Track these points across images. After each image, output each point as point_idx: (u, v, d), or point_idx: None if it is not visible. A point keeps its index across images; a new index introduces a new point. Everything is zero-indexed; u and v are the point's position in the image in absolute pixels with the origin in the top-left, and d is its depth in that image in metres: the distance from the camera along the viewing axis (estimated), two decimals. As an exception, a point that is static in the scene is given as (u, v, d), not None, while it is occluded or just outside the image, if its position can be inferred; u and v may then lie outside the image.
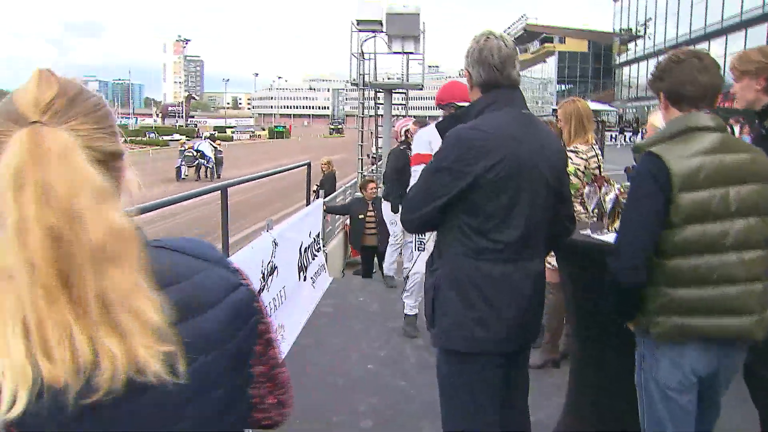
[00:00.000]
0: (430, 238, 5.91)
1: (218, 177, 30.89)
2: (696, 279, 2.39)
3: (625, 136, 47.01)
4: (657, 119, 4.51)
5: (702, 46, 44.90)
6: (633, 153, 2.79)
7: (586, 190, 3.53)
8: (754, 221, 2.40)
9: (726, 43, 42.72)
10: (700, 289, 2.39)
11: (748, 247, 2.40)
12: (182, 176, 30.92)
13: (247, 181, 6.30)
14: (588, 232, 3.47)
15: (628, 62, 62.54)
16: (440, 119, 3.19)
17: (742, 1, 40.12)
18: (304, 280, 7.05)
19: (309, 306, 6.99)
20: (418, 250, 6.21)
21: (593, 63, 75.13)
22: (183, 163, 31.49)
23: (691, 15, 47.30)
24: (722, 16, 42.79)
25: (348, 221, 13.27)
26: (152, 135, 73.84)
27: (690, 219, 2.36)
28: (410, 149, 8.16)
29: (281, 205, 20.95)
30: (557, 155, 2.77)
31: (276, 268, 5.68)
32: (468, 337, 2.60)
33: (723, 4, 42.63)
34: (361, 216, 10.10)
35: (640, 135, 44.33)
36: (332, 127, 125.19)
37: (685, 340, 2.45)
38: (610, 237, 3.38)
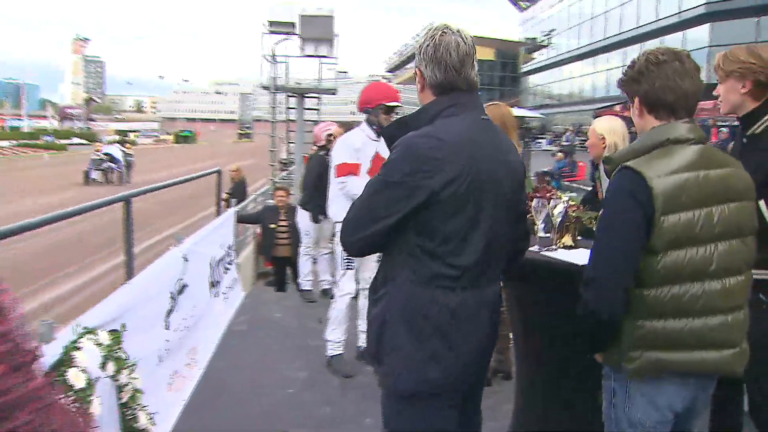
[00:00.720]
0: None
1: (128, 182, 30.63)
2: (677, 310, 2.13)
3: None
4: (601, 126, 4.30)
5: (602, 57, 46.92)
6: (604, 165, 2.49)
7: (534, 203, 3.25)
8: (737, 244, 2.18)
9: (625, 55, 44.67)
10: (681, 321, 2.14)
11: (731, 273, 2.17)
12: (90, 179, 30.80)
13: (153, 190, 5.74)
14: (536, 248, 3.19)
15: (534, 71, 64.34)
16: (388, 124, 2.79)
17: (638, 17, 42.03)
18: (216, 295, 6.55)
19: (222, 323, 6.49)
20: (346, 267, 5.42)
21: (500, 71, 77.04)
22: (92, 166, 31.43)
23: (591, 27, 49.19)
24: (620, 29, 44.69)
25: (259, 230, 12.78)
26: (49, 138, 70.25)
27: (673, 244, 2.10)
28: (329, 155, 7.80)
29: (188, 212, 20.09)
30: (519, 167, 2.47)
31: (186, 286, 5.17)
32: (420, 377, 2.25)
33: (620, 18, 44.56)
34: (272, 225, 9.59)
35: (546, 142, 45.70)
36: (241, 132, 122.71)
37: (662, 376, 2.19)
38: (560, 254, 3.12)
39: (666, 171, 2.11)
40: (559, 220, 3.20)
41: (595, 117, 41.65)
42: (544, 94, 62.76)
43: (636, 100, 2.31)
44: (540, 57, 63.01)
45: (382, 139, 5.45)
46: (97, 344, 3.01)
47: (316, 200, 7.84)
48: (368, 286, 2.65)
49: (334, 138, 7.72)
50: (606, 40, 46.97)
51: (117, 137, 54.52)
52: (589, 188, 4.41)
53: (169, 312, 4.66)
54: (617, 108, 42.44)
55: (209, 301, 6.17)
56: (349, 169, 5.25)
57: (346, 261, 5.34)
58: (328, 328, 5.50)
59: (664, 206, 2.07)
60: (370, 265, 5.14)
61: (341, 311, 5.42)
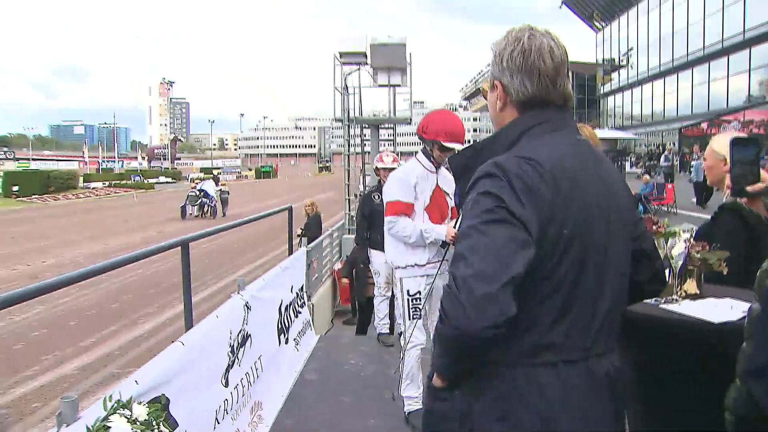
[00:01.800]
0: (426, 299, 4.77)
1: (223, 215, 32.72)
2: None
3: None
4: (722, 144, 3.56)
5: (686, 73, 45.21)
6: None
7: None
8: None
9: (709, 70, 42.94)
10: None
11: None
12: (186, 215, 32.79)
13: (213, 234, 5.38)
14: (652, 300, 2.57)
15: (612, 92, 62.61)
16: (458, 152, 2.15)
17: (723, 30, 40.39)
18: (286, 342, 6.14)
19: (292, 373, 6.06)
20: (412, 317, 4.72)
21: (577, 94, 75.38)
22: (187, 202, 33.42)
23: (672, 44, 47.54)
24: (703, 43, 43.01)
25: (336, 267, 12.40)
26: (137, 178, 73.01)
27: None
28: (378, 190, 7.31)
29: (261, 251, 20.01)
30: (629, 199, 1.91)
31: (249, 336, 4.77)
32: None
33: (703, 32, 42.91)
34: (362, 264, 8.97)
35: (629, 164, 43.68)
36: (321, 165, 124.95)
37: None
38: (684, 307, 2.51)
39: None
40: (680, 263, 2.58)
41: (681, 136, 40.08)
42: (625, 116, 60.89)
43: None
44: (620, 77, 61.27)
45: (442, 169, 4.93)
46: (130, 421, 2.59)
47: (363, 240, 7.76)
48: None
49: (381, 171, 7.35)
50: (689, 55, 45.22)
51: (220, 174, 56.78)
52: (699, 214, 3.67)
53: (229, 367, 4.26)
54: (703, 126, 40.75)
55: (278, 349, 5.77)
56: (400, 208, 4.66)
57: (412, 309, 4.71)
58: (402, 383, 4.90)
59: None
60: None
61: (412, 365, 4.83)
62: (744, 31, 38.58)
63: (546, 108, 1.80)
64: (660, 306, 2.53)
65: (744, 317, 2.39)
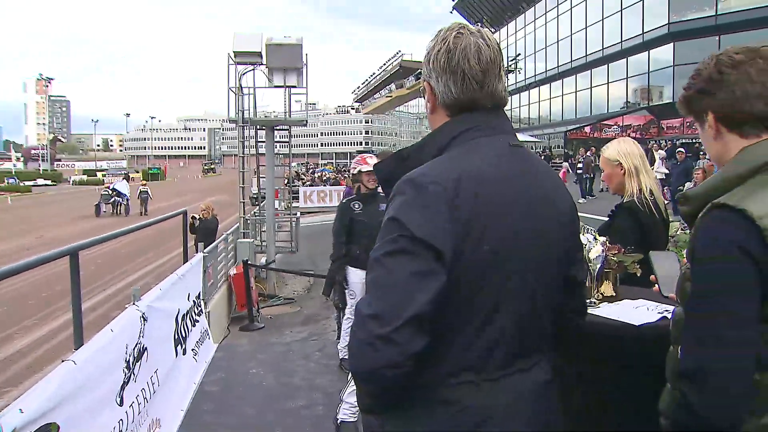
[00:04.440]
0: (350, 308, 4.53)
1: (144, 214, 33.12)
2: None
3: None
4: (612, 151, 3.59)
5: (570, 80, 47.28)
6: (679, 206, 1.82)
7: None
8: None
9: (591, 77, 45.10)
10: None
11: None
12: (101, 212, 33.78)
13: (104, 240, 5.04)
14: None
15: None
16: (381, 160, 1.94)
17: (603, 40, 42.53)
18: (184, 353, 5.84)
19: (191, 385, 5.78)
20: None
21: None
22: (101, 200, 34.69)
23: (558, 51, 49.61)
24: (586, 51, 45.11)
25: (231, 272, 12.06)
26: (12, 181, 68.72)
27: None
28: (358, 199, 6.37)
29: (151, 256, 19.24)
30: (570, 210, 1.81)
31: (145, 349, 4.49)
32: None
33: (585, 41, 45.04)
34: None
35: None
36: (206, 167, 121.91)
37: None
38: (604, 310, 2.51)
39: None
40: (598, 266, 2.58)
41: (566, 139, 41.81)
42: (513, 119, 62.97)
43: (709, 117, 1.71)
44: (507, 82, 63.22)
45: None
46: (18, 455, 2.33)
47: (341, 256, 6.34)
48: None
49: (364, 175, 6.25)
50: (572, 62, 47.29)
51: (128, 173, 55.99)
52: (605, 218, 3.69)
53: (124, 384, 3.98)
54: (587, 129, 42.66)
55: (175, 361, 5.48)
56: None
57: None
58: (346, 389, 4.64)
59: None
60: None
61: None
62: (621, 41, 40.85)
63: (474, 111, 1.71)
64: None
65: (661, 319, 2.43)
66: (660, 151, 24.49)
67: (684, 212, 1.75)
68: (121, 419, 3.84)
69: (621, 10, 40.81)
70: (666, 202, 3.80)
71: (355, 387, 4.45)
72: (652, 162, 21.38)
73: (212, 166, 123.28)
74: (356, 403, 4.53)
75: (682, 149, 21.45)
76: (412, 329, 1.44)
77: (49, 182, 75.32)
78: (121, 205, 35.01)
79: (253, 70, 14.77)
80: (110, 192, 35.94)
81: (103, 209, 34.41)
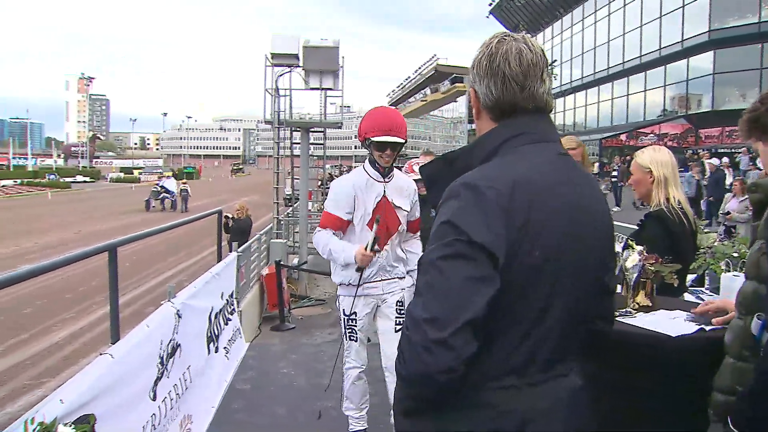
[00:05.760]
0: (365, 321, 4.44)
1: (185, 210, 36.32)
2: None
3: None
4: (645, 158, 3.55)
5: (606, 87, 46.81)
6: (750, 194, 1.96)
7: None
8: None
9: (628, 84, 44.60)
10: None
11: None
12: (150, 207, 37.45)
13: (142, 237, 5.13)
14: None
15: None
16: (429, 162, 1.94)
17: (641, 46, 42.01)
18: (216, 351, 5.90)
19: (222, 383, 5.84)
20: (349, 338, 4.42)
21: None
22: (151, 197, 38.49)
23: (594, 57, 49.13)
24: (623, 58, 44.62)
25: (264, 272, 12.16)
26: (52, 177, 70.07)
27: None
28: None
29: (183, 254, 19.44)
30: (608, 224, 1.81)
31: (179, 346, 4.54)
32: None
33: (623, 48, 44.53)
34: None
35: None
36: (234, 167, 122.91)
37: None
38: (639, 320, 2.48)
39: None
40: (635, 275, 2.56)
41: (601, 147, 41.42)
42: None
43: None
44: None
45: (396, 179, 4.62)
46: (55, 446, 2.38)
47: None
48: (392, 362, 1.94)
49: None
50: (609, 69, 46.81)
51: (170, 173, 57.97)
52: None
53: (157, 380, 4.03)
54: (622, 137, 42.14)
55: (207, 359, 5.53)
56: (326, 220, 4.24)
57: (348, 329, 4.40)
58: (343, 402, 4.64)
59: None
60: (393, 336, 4.26)
61: (348, 387, 4.52)
62: (660, 48, 40.30)
63: (517, 114, 1.70)
64: (617, 319, 2.51)
65: (698, 330, 2.39)
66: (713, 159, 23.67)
67: (753, 199, 2.02)
68: (154, 413, 3.89)
69: (660, 17, 40.26)
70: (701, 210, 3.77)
71: (348, 401, 4.28)
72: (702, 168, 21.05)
73: (240, 167, 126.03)
74: (355, 413, 4.54)
75: (711, 161, 21.05)
76: (468, 334, 1.45)
77: (87, 179, 76.66)
78: (169, 200, 38.33)
79: (290, 72, 14.90)
80: (159, 189, 39.34)
81: (152, 204, 37.94)
